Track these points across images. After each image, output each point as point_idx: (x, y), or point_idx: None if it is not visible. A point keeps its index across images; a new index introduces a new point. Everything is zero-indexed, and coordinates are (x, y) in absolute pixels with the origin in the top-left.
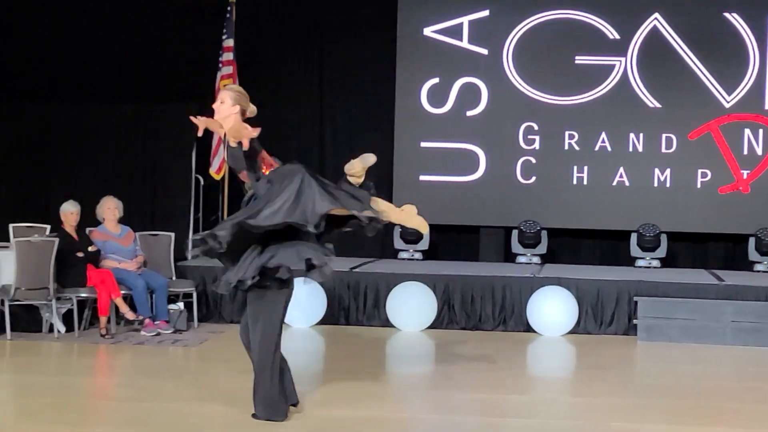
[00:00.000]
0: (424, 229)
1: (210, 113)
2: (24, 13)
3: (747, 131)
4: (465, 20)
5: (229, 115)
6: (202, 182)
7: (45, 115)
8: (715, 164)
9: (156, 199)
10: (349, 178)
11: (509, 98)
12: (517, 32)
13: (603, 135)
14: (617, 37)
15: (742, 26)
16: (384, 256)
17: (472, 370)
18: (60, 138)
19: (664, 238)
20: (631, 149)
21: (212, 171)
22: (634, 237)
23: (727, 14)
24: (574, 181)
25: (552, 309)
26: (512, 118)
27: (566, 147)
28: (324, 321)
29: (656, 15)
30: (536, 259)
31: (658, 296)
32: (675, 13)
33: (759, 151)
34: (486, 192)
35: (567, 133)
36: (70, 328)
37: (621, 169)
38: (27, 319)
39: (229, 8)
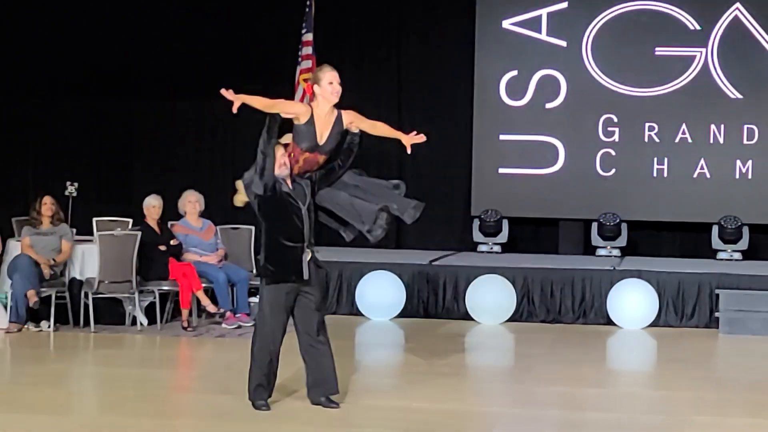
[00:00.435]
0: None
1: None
2: (107, 12)
3: None
4: (544, 12)
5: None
6: None
7: (129, 111)
8: None
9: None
10: None
11: (588, 90)
12: (596, 24)
13: (683, 126)
14: (698, 27)
15: None
16: (463, 249)
17: (552, 363)
18: (143, 133)
19: (745, 230)
20: (712, 140)
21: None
22: (715, 229)
23: None
24: (654, 173)
25: (632, 302)
26: (591, 110)
27: (646, 139)
28: (403, 314)
29: (737, 5)
30: (616, 252)
31: (740, 289)
32: (756, 2)
33: None
34: (565, 184)
35: (647, 124)
36: (152, 320)
37: (702, 161)
38: (110, 312)
39: (308, 2)
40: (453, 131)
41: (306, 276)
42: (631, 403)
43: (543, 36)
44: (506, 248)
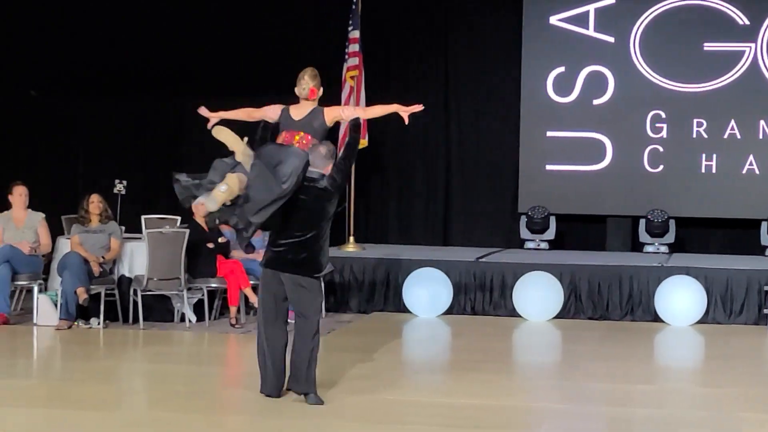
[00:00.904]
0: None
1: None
2: (155, 9)
3: None
4: (591, 8)
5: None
6: None
7: (177, 108)
8: None
9: None
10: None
11: (636, 86)
12: (644, 19)
13: (732, 122)
14: (747, 22)
15: None
16: (510, 246)
17: (599, 360)
18: (191, 131)
19: None
20: (761, 136)
21: None
22: (764, 225)
23: None
24: (703, 170)
25: (680, 298)
26: (639, 106)
27: (694, 135)
28: (450, 311)
29: None
30: (664, 249)
31: None
32: None
33: None
34: (613, 181)
35: (695, 120)
36: (200, 317)
37: (751, 157)
38: (159, 309)
39: (355, 0)
40: (500, 128)
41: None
42: (679, 399)
43: (590, 32)
44: (553, 245)
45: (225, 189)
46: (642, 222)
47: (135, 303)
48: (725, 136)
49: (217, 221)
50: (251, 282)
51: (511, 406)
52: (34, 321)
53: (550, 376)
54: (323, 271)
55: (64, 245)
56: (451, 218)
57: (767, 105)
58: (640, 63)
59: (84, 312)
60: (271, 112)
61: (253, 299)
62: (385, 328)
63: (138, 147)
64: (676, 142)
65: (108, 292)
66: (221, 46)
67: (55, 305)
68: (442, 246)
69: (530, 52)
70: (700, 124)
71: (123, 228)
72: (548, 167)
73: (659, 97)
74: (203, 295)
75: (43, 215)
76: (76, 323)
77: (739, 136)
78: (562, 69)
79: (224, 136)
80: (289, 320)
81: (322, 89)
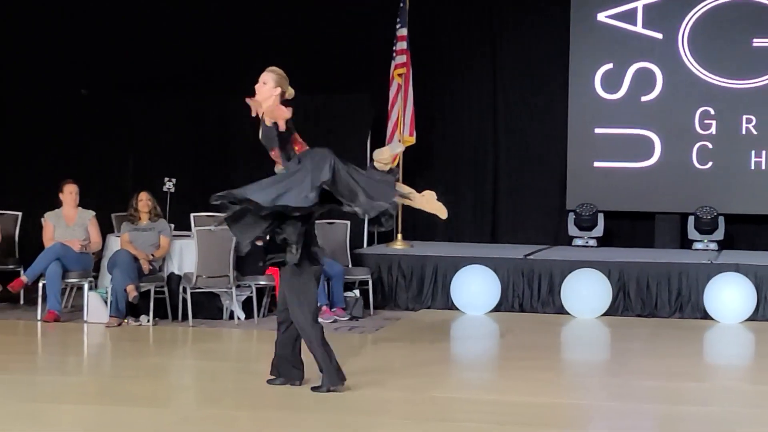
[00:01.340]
0: (443, 214)
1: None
2: (204, 8)
3: None
4: (639, 4)
5: (269, 96)
6: None
7: (226, 106)
8: None
9: None
10: (376, 164)
11: (685, 83)
12: (692, 15)
13: None
14: None
15: None
16: (558, 243)
17: (648, 358)
18: (240, 129)
19: None
20: None
21: None
22: None
23: None
24: (752, 166)
25: (730, 296)
26: (688, 102)
27: (743, 131)
28: (498, 308)
29: None
30: (713, 246)
31: None
32: None
33: None
34: (661, 178)
35: (744, 117)
36: (249, 315)
37: None
38: (208, 307)
39: None
40: (548, 125)
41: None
42: (729, 396)
43: (638, 28)
44: (602, 242)
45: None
46: (691, 219)
47: (184, 300)
48: None
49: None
50: None
51: (559, 404)
52: (85, 318)
53: (598, 373)
54: None
55: (114, 243)
56: (499, 215)
57: None
58: (688, 59)
59: (134, 309)
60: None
61: None
62: (433, 326)
63: (188, 145)
64: (724, 139)
65: (157, 289)
66: (273, 44)
67: (106, 303)
68: (490, 243)
69: (578, 49)
70: (749, 121)
71: (172, 226)
72: (596, 164)
73: (708, 93)
74: (252, 292)
75: (94, 213)
76: (125, 320)
77: None
78: (610, 65)
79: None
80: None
81: None
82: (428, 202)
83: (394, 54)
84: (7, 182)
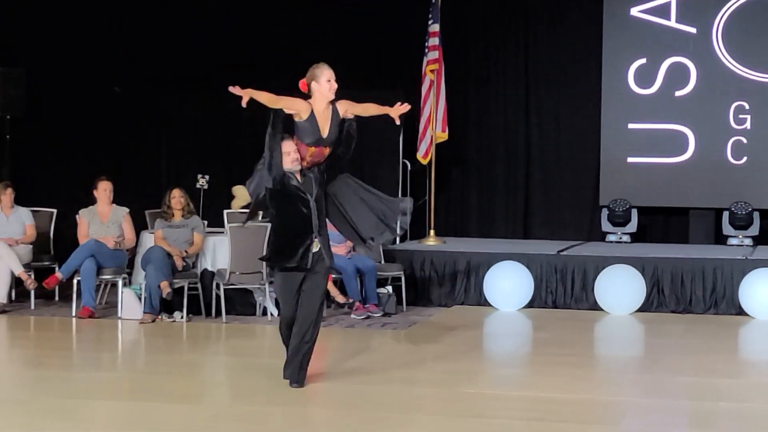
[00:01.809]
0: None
1: (414, 99)
2: (236, 5)
3: None
4: None
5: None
6: (409, 167)
7: (259, 103)
8: None
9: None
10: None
11: (719, 77)
12: (726, 10)
13: None
14: None
15: None
16: (592, 239)
17: (683, 354)
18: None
19: None
20: None
21: (419, 155)
22: None
23: None
24: None
25: (765, 291)
26: (722, 97)
27: None
28: (531, 304)
29: None
30: (748, 241)
31: None
32: None
33: None
34: (695, 173)
35: None
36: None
37: None
38: (241, 303)
39: None
40: (581, 120)
41: (308, 265)
42: (764, 393)
43: (672, 23)
44: (635, 238)
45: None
46: (725, 214)
47: (217, 297)
48: None
49: None
50: (332, 275)
51: (592, 400)
52: (119, 315)
53: (632, 369)
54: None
55: (148, 240)
56: (532, 211)
57: None
58: (722, 54)
59: (167, 306)
60: (295, 106)
61: (334, 293)
62: (465, 322)
63: (221, 141)
64: (759, 134)
65: (191, 286)
66: (306, 41)
67: (139, 299)
68: (523, 239)
69: (611, 44)
70: None
71: (205, 222)
72: (630, 159)
73: (742, 88)
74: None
75: (128, 210)
76: (159, 317)
77: None
78: (643, 60)
79: None
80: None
81: None
82: None
83: (427, 50)
84: (42, 180)
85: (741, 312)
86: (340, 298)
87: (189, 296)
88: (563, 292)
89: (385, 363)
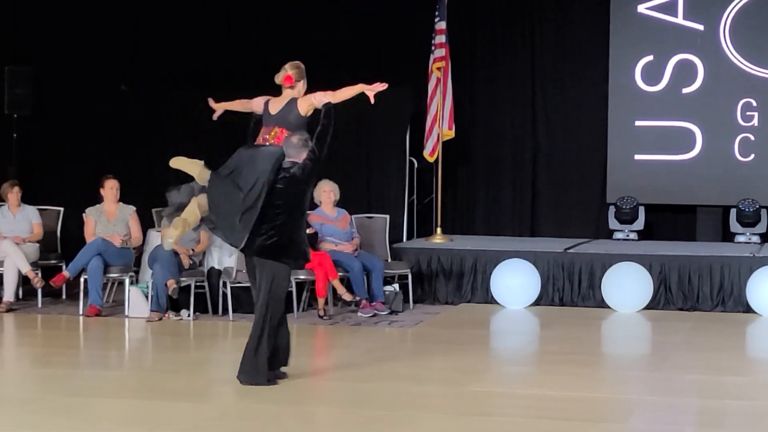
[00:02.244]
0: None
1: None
2: (244, 7)
3: None
4: None
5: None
6: (416, 164)
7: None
8: None
9: (371, 182)
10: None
11: (726, 74)
12: (733, 6)
13: None
14: None
15: None
16: (599, 237)
17: (690, 351)
18: None
19: None
20: None
21: (426, 153)
22: None
23: None
24: None
25: None
26: (730, 94)
27: None
28: (538, 302)
29: None
30: (755, 239)
31: None
32: None
33: None
34: (703, 170)
35: None
36: (289, 309)
37: None
38: (248, 301)
39: None
40: (588, 118)
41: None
42: None
43: (679, 20)
44: (643, 235)
45: (176, 224)
46: (733, 212)
47: (224, 295)
48: None
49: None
50: (339, 273)
51: (599, 398)
52: (126, 313)
53: (639, 367)
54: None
55: (155, 238)
56: (538, 209)
57: None
58: (730, 51)
59: (174, 304)
60: (256, 105)
61: (341, 291)
62: (472, 320)
63: (227, 141)
64: (767, 131)
65: (198, 284)
66: (313, 39)
67: (146, 297)
68: (529, 237)
69: (618, 41)
70: None
71: None
72: (637, 157)
73: (750, 85)
74: (291, 286)
75: (134, 208)
76: (166, 315)
77: None
78: (650, 57)
79: (179, 163)
80: (364, 311)
81: (303, 82)
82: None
83: (433, 47)
84: (49, 178)
85: (748, 309)
86: (346, 296)
87: (196, 294)
88: (570, 289)
89: (391, 361)
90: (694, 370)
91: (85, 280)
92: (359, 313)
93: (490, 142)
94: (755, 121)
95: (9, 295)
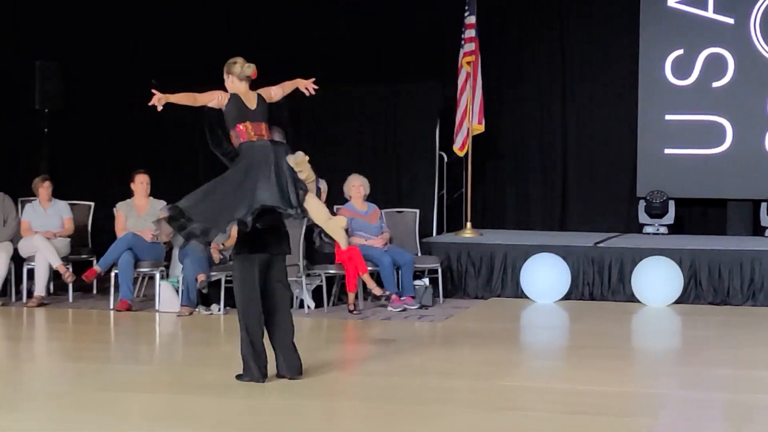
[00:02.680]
0: (343, 244)
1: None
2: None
3: None
4: None
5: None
6: (445, 159)
7: (291, 97)
8: None
9: (401, 177)
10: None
11: (757, 68)
12: (764, 0)
13: None
14: None
15: None
16: (629, 231)
17: (720, 346)
18: (308, 118)
19: None
20: None
21: (456, 147)
22: None
23: None
24: None
25: None
26: (760, 88)
27: None
28: (568, 296)
29: None
30: None
31: None
32: None
33: None
34: (733, 164)
35: None
36: (319, 303)
37: None
38: None
39: None
40: (618, 112)
41: None
42: None
43: (709, 13)
44: (673, 229)
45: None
46: (763, 205)
47: None
48: None
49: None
50: (369, 268)
51: (628, 392)
52: (156, 307)
53: (669, 362)
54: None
55: None
56: (568, 203)
57: None
58: (760, 44)
59: (205, 298)
60: (216, 99)
61: (371, 285)
62: (502, 314)
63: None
64: None
65: (228, 278)
66: (342, 34)
67: (177, 292)
68: (559, 231)
69: (648, 35)
70: None
71: None
72: (667, 151)
73: None
74: (322, 281)
75: (165, 203)
76: (196, 309)
77: None
78: (680, 51)
79: (303, 164)
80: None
81: None
82: (332, 227)
83: (463, 42)
84: (80, 173)
85: None
86: (376, 291)
87: (226, 289)
88: (600, 284)
89: (421, 355)
90: (724, 364)
91: (116, 275)
92: (389, 308)
93: (519, 136)
94: None
95: (40, 290)
